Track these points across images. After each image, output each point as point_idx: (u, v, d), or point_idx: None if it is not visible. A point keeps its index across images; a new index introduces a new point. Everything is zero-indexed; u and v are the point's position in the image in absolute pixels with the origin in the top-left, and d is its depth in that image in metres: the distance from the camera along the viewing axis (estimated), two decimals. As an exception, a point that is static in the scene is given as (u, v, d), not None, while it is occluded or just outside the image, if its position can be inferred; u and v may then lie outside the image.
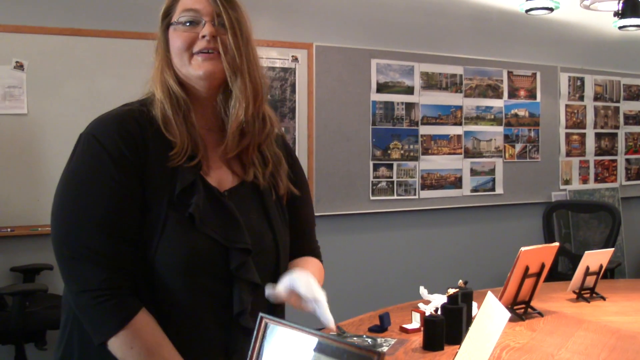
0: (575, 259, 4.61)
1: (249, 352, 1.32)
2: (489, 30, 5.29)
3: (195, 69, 1.45)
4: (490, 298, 1.41)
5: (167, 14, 1.51)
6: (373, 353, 1.17)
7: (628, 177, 6.20)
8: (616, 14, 4.20)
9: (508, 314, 1.25)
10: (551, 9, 4.11)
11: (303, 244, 1.70)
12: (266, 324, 1.31)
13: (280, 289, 1.41)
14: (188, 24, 1.46)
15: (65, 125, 3.74)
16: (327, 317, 1.37)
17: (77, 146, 1.44)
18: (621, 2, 4.19)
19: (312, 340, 1.24)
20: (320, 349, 1.23)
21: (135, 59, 3.81)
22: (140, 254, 1.39)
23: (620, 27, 4.30)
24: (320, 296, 1.41)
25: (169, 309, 1.41)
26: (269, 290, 1.40)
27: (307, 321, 1.24)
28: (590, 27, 5.66)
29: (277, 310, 1.57)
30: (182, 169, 1.43)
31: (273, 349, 1.29)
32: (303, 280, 1.42)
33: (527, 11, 4.20)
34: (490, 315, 1.34)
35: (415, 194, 5.02)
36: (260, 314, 1.32)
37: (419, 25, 5.00)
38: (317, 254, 1.74)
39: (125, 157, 1.38)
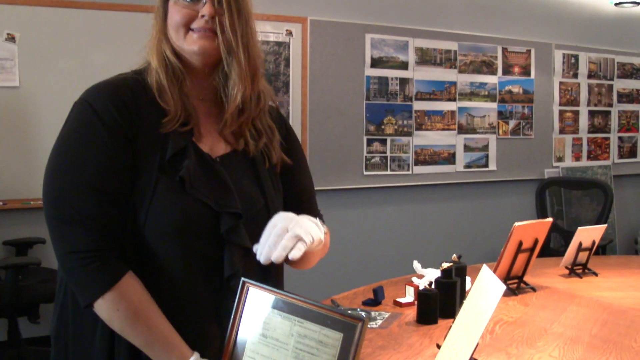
0: (568, 236, 4.62)
1: (231, 317, 1.32)
2: (484, 6, 5.27)
3: (189, 45, 1.46)
4: (486, 271, 1.41)
5: None
6: (357, 319, 1.18)
7: (620, 155, 6.21)
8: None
9: (503, 287, 1.26)
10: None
11: (306, 210, 1.69)
12: (248, 288, 1.31)
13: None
14: (189, 0, 1.46)
15: (57, 98, 3.70)
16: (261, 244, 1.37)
17: (71, 113, 1.45)
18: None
19: (296, 306, 1.25)
20: (303, 315, 1.24)
21: (129, 32, 3.79)
22: (130, 218, 1.39)
23: (616, 4, 4.29)
24: (282, 223, 1.40)
25: (158, 274, 1.42)
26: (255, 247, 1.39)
27: (305, 290, 1.24)
28: (585, 4, 5.64)
29: (272, 275, 1.57)
30: (174, 134, 1.44)
31: (254, 313, 1.30)
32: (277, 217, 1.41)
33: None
34: (485, 288, 1.35)
35: (408, 170, 5.02)
36: (242, 279, 1.32)
37: (413, 1, 4.97)
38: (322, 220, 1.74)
39: (117, 123, 1.39)
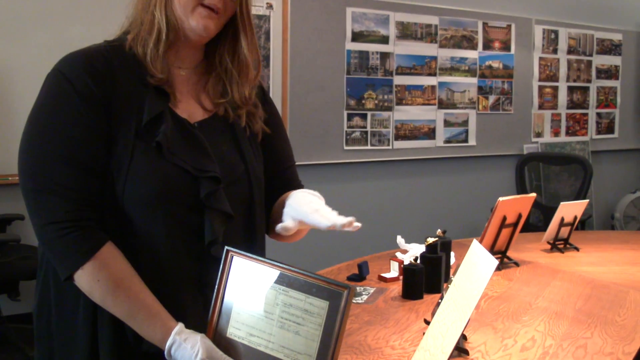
0: (546, 211, 4.66)
1: (215, 286, 1.30)
2: (466, -20, 5.24)
3: (195, 21, 1.44)
4: (476, 246, 1.40)
5: None
6: (342, 287, 1.16)
7: (598, 131, 6.25)
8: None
9: (495, 262, 1.25)
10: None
11: (287, 181, 1.69)
12: (232, 257, 1.30)
13: (286, 220, 1.41)
14: None
15: (33, 73, 3.60)
16: (329, 218, 1.38)
17: (44, 83, 1.43)
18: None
19: (280, 275, 1.23)
20: (288, 283, 1.22)
21: (106, 5, 3.71)
22: (108, 186, 1.37)
23: None
24: (320, 205, 1.43)
25: (139, 242, 1.39)
26: (278, 227, 1.39)
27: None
28: (566, -22, 5.64)
29: (256, 244, 1.56)
30: (150, 101, 1.42)
31: (239, 282, 1.28)
32: (303, 204, 1.43)
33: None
34: (476, 263, 1.34)
35: (389, 144, 5.01)
36: (226, 247, 1.31)
37: (395, -26, 4.93)
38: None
39: (91, 91, 1.37)
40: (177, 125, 1.46)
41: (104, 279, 1.34)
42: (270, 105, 1.70)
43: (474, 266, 1.34)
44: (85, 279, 1.34)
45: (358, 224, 1.34)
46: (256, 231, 1.56)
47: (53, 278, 1.44)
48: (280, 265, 1.23)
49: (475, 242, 1.42)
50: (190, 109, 1.52)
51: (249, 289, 1.26)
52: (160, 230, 1.39)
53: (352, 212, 4.39)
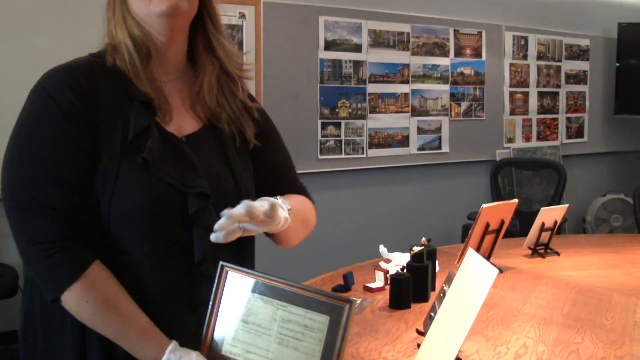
0: (520, 216, 4.68)
1: (210, 302, 1.27)
2: (436, -13, 5.26)
3: (157, 4, 1.39)
4: (472, 254, 1.39)
5: None
6: (344, 301, 1.14)
7: (568, 135, 6.31)
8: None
9: (495, 270, 1.23)
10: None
11: (286, 186, 1.66)
12: (227, 272, 1.26)
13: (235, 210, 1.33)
14: None
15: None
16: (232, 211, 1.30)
17: (27, 99, 1.39)
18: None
19: (279, 290, 1.20)
20: (287, 298, 1.19)
21: (72, 15, 3.64)
22: (93, 204, 1.34)
23: None
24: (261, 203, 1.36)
25: (126, 260, 1.36)
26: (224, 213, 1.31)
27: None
28: (535, -15, 5.70)
29: (246, 258, 1.54)
30: (136, 115, 1.39)
31: (234, 298, 1.25)
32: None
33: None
34: (474, 272, 1.32)
35: (363, 153, 5.00)
36: (221, 262, 1.27)
37: (366, -18, 4.93)
38: (304, 193, 1.71)
39: (75, 108, 1.34)
40: (164, 140, 1.42)
41: (93, 300, 1.30)
42: (264, 115, 1.68)
43: (472, 275, 1.32)
44: (73, 300, 1.30)
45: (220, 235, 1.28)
46: (246, 245, 1.54)
47: (39, 298, 1.40)
48: (278, 279, 1.20)
49: (471, 251, 1.40)
50: (179, 122, 1.49)
51: (245, 304, 1.23)
52: (147, 247, 1.36)
53: (328, 221, 4.40)
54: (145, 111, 1.41)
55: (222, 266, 1.27)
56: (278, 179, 1.67)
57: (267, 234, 1.54)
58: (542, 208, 2.85)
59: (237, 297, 1.25)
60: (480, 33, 5.54)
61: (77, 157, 1.33)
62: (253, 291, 1.23)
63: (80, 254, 1.32)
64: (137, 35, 1.42)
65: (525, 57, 5.88)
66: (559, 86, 6.16)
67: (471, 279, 1.32)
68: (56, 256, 1.29)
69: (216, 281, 1.27)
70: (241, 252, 1.51)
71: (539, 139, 6.07)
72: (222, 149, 1.53)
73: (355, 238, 4.93)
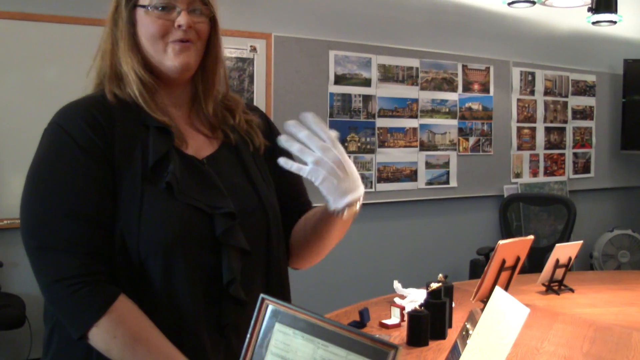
0: (529, 252, 4.67)
1: (248, 335, 1.24)
2: (445, 23, 5.30)
3: (171, 60, 1.42)
4: (500, 293, 1.38)
5: None
6: (390, 347, 1.11)
7: (575, 171, 6.31)
8: (590, 9, 4.23)
9: (527, 310, 1.22)
10: (533, 2, 4.09)
11: (301, 204, 1.65)
12: (267, 306, 1.24)
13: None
14: (161, 8, 1.41)
15: (9, 115, 3.56)
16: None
17: (43, 137, 1.38)
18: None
19: (320, 328, 1.18)
20: (328, 337, 1.17)
21: (81, 46, 3.64)
22: (118, 237, 1.32)
23: (594, 23, 4.34)
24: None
25: (155, 290, 1.33)
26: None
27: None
28: (542, 23, 5.74)
29: (277, 283, 1.50)
30: (154, 142, 1.38)
31: (275, 335, 1.22)
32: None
33: (509, 4, 4.15)
34: (502, 311, 1.31)
35: (371, 187, 5.00)
36: (262, 295, 1.24)
37: (376, 18, 4.97)
38: None
39: (93, 142, 1.33)
40: (184, 163, 1.41)
41: (121, 335, 1.27)
42: (275, 130, 1.66)
43: (501, 314, 1.31)
44: (101, 336, 1.28)
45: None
46: (276, 264, 1.51)
47: (57, 337, 1.38)
48: (320, 317, 1.18)
49: (498, 289, 1.39)
50: (197, 144, 1.48)
51: (284, 340, 1.21)
52: (180, 274, 1.33)
53: (336, 256, 4.36)
54: (163, 136, 1.40)
55: (263, 299, 1.24)
56: (295, 196, 1.65)
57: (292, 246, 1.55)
58: (556, 244, 2.84)
59: (277, 332, 1.22)
60: (488, 68, 5.57)
61: (97, 192, 1.32)
62: (294, 327, 1.21)
63: (106, 289, 1.29)
64: (141, 72, 1.43)
65: (532, 92, 5.90)
66: (565, 122, 6.18)
67: (500, 318, 1.30)
68: (81, 292, 1.27)
69: (255, 314, 1.24)
70: (271, 271, 1.49)
71: (546, 174, 6.07)
72: (242, 166, 1.52)
73: (364, 272, 4.90)
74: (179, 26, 1.40)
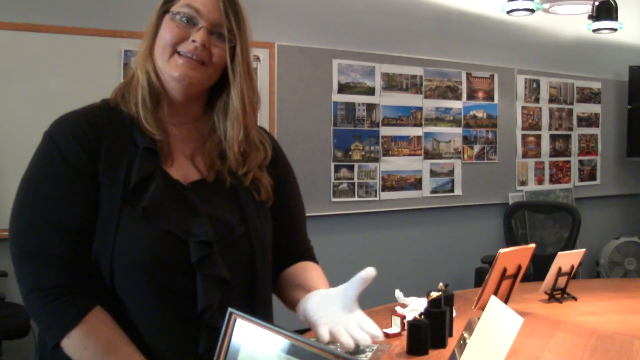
0: (534, 260, 4.64)
1: (216, 351, 1.24)
2: (449, 32, 5.31)
3: (171, 68, 1.40)
4: (495, 302, 1.37)
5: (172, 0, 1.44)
6: None
7: (581, 178, 6.30)
8: (590, 17, 4.24)
9: (520, 319, 1.22)
10: (532, 10, 4.10)
11: (296, 245, 1.65)
12: (235, 320, 1.23)
13: (323, 334, 1.35)
14: (185, 19, 1.40)
15: (13, 125, 3.59)
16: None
17: (38, 147, 1.41)
18: (595, 5, 4.23)
19: (285, 342, 1.17)
20: (295, 352, 1.16)
21: (87, 57, 3.69)
22: (94, 253, 1.33)
23: (594, 30, 4.35)
24: (358, 314, 1.38)
25: (127, 310, 1.35)
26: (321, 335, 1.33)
27: (284, 324, 1.17)
28: (547, 30, 5.74)
29: (259, 308, 1.49)
30: (140, 162, 1.38)
31: (241, 347, 1.22)
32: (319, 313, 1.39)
33: (508, 12, 4.17)
34: (497, 321, 1.31)
35: (376, 196, 5.00)
36: (230, 310, 1.24)
37: (380, 26, 4.98)
38: (311, 255, 1.69)
39: (79, 158, 1.35)
40: (168, 186, 1.40)
41: (92, 346, 1.29)
42: (281, 160, 1.65)
43: (496, 324, 1.31)
44: (73, 347, 1.30)
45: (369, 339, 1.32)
46: (259, 298, 1.49)
47: (49, 347, 1.38)
48: (287, 333, 1.17)
49: (494, 299, 1.39)
50: (186, 168, 1.47)
51: (252, 356, 1.21)
52: (149, 297, 1.34)
53: (340, 264, 4.38)
54: (150, 157, 1.40)
55: (230, 313, 1.24)
56: (291, 232, 1.65)
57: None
58: (558, 253, 2.82)
59: (244, 347, 1.22)
60: (492, 76, 5.57)
61: (80, 207, 1.34)
62: (261, 342, 1.20)
63: (80, 300, 1.31)
64: (153, 80, 1.43)
65: (537, 100, 5.90)
66: (571, 129, 6.17)
67: (495, 327, 1.30)
68: (56, 302, 1.29)
69: (223, 329, 1.23)
70: (254, 305, 1.47)
71: (551, 181, 6.06)
72: (234, 195, 1.49)
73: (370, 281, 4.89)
74: (193, 41, 1.39)
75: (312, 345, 1.13)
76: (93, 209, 1.34)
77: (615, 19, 4.25)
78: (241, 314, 1.22)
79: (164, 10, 1.43)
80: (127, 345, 1.31)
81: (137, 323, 1.34)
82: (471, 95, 5.45)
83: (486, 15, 5.39)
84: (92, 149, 1.36)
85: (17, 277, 1.34)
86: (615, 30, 4.31)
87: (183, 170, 1.46)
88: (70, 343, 1.29)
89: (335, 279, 5.21)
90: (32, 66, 3.76)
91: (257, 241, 1.48)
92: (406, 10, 5.05)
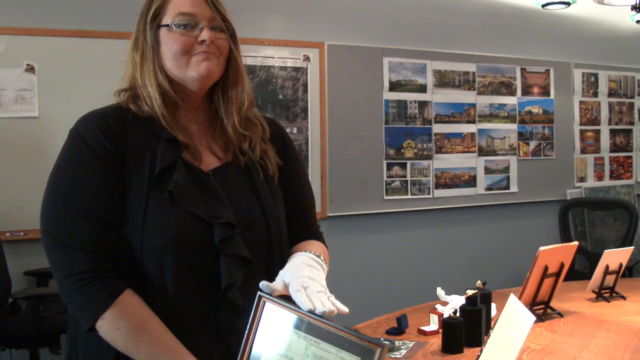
0: (592, 257, 4.56)
1: (246, 332, 1.29)
2: (502, 26, 5.25)
3: (194, 70, 1.50)
4: (513, 300, 1.37)
5: (157, 14, 1.53)
6: (376, 345, 1.14)
7: (643, 174, 6.13)
8: (634, 7, 4.15)
9: (533, 317, 1.22)
10: (568, 4, 4.04)
11: (302, 227, 1.69)
12: (264, 303, 1.28)
13: (277, 281, 1.37)
14: (183, 27, 1.50)
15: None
16: (311, 301, 1.29)
17: (64, 143, 1.50)
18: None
19: (313, 326, 1.21)
20: (320, 334, 1.20)
21: (114, 67, 3.78)
22: (124, 238, 1.41)
23: (638, 21, 4.25)
24: (310, 282, 1.36)
25: (156, 292, 1.41)
26: (262, 284, 1.33)
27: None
28: (604, 22, 5.61)
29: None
30: (163, 151, 1.46)
31: (269, 330, 1.26)
32: (296, 275, 1.39)
33: (543, 6, 4.12)
34: (513, 318, 1.31)
35: (429, 193, 4.98)
36: (259, 293, 1.29)
37: (430, 23, 4.96)
38: (319, 238, 1.72)
39: (105, 148, 1.43)
40: (190, 173, 1.49)
41: (124, 326, 1.35)
42: (288, 147, 1.72)
43: (512, 321, 1.31)
44: (107, 327, 1.36)
45: (344, 309, 1.29)
46: (276, 273, 1.54)
47: (81, 333, 1.45)
48: (313, 316, 1.22)
49: (512, 297, 1.39)
50: (206, 159, 1.56)
51: (280, 337, 1.25)
52: (176, 277, 1.41)
53: (392, 263, 4.38)
54: (172, 147, 1.48)
55: (260, 296, 1.29)
56: (299, 214, 1.69)
57: None
58: (605, 251, 2.77)
59: (272, 329, 1.26)
60: (548, 71, 5.48)
61: (108, 194, 1.41)
62: (288, 324, 1.25)
63: (112, 284, 1.38)
64: (167, 89, 1.51)
65: (595, 94, 5.77)
66: (632, 123, 6.02)
67: (511, 325, 1.30)
68: (89, 286, 1.36)
69: (252, 311, 1.29)
70: (270, 280, 1.52)
71: (612, 177, 5.92)
72: (249, 179, 1.58)
73: (420, 279, 4.89)
74: (203, 41, 1.49)
75: (339, 328, 1.18)
76: (120, 196, 1.42)
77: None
78: (270, 297, 1.28)
79: (157, 25, 1.53)
80: (158, 324, 1.38)
81: (163, 303, 1.41)
82: (526, 91, 5.37)
83: (540, 9, 5.30)
84: (118, 141, 1.45)
85: (51, 265, 1.41)
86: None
87: (203, 159, 1.55)
88: (104, 324, 1.36)
89: (388, 278, 5.27)
90: (92, 70, 3.88)
91: (273, 222, 1.56)
92: (456, 6, 5.01)
